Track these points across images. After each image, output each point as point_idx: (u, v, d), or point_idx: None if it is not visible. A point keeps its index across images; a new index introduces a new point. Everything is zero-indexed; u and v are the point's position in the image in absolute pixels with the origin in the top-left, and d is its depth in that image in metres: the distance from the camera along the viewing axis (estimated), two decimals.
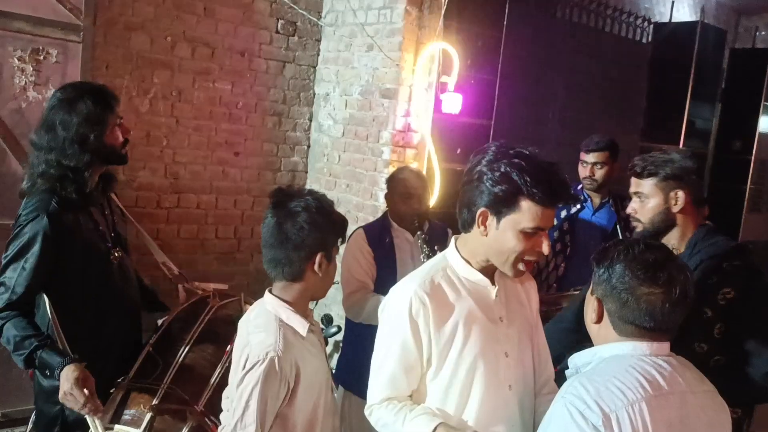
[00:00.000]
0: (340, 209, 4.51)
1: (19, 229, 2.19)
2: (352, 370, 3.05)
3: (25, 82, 3.44)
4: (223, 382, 2.18)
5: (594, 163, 3.36)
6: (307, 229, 1.77)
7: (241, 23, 4.32)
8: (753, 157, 6.81)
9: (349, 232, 4.21)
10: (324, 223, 1.81)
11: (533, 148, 1.70)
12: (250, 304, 2.55)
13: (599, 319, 1.55)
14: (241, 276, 4.57)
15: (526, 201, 1.62)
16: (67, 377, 2.05)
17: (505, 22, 4.40)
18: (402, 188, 3.06)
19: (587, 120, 5.81)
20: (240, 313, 2.48)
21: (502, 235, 1.65)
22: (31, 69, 3.44)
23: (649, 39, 6.35)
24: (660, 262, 1.49)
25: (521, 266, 1.69)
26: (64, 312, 2.24)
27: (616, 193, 3.46)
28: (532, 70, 5.29)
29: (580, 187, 3.47)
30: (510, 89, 4.66)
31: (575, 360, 1.59)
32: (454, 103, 4.07)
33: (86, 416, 2.13)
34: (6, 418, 3.51)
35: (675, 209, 2.18)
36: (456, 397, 1.72)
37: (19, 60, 3.41)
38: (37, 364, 2.13)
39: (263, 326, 1.79)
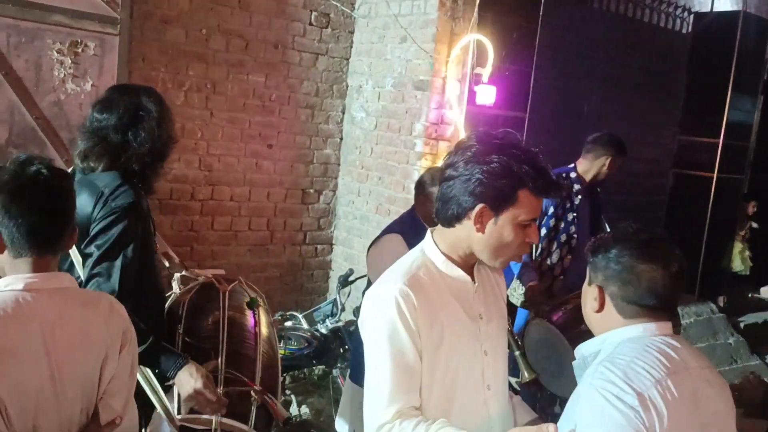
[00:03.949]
0: (372, 202, 4.56)
1: (114, 216, 2.00)
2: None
3: (64, 75, 3.49)
4: (266, 360, 2.21)
5: (620, 164, 3.43)
6: None
7: (275, 15, 4.33)
8: None
9: (375, 226, 4.24)
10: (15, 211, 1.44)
11: (514, 134, 1.62)
12: (251, 288, 2.54)
13: (601, 307, 1.55)
14: (273, 268, 4.60)
15: (526, 193, 1.53)
16: (194, 375, 1.97)
17: (541, 13, 4.34)
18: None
19: (624, 113, 5.71)
20: (243, 295, 2.45)
21: (500, 230, 1.55)
22: (70, 61, 3.49)
23: (689, 29, 6.20)
24: (654, 240, 1.52)
25: (512, 259, 1.64)
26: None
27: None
28: (568, 61, 5.20)
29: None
30: (545, 81, 4.59)
31: (582, 350, 1.57)
32: (488, 95, 4.03)
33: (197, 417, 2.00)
34: None
35: None
36: (441, 401, 1.59)
37: (58, 53, 3.46)
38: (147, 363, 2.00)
39: None
